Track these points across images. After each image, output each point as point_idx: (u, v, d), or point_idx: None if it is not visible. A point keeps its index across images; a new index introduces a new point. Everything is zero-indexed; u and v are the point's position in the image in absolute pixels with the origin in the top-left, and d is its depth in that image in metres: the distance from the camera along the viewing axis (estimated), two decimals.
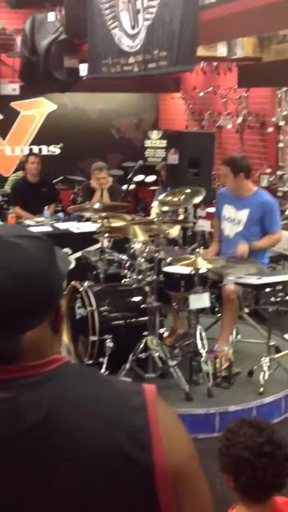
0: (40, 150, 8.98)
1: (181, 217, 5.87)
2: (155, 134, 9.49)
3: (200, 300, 3.92)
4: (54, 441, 0.96)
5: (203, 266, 3.94)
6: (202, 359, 3.93)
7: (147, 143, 9.48)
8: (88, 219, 6.16)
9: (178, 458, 1.00)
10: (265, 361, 3.99)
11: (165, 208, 4.98)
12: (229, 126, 7.81)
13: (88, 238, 5.34)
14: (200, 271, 3.96)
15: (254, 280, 3.98)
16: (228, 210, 4.63)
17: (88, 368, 1.13)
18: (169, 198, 4.74)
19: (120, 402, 1.02)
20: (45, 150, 9.11)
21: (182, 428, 1.07)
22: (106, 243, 4.69)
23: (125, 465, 0.97)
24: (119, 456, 0.97)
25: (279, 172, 7.16)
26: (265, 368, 3.96)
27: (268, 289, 4.06)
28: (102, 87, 8.41)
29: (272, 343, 4.13)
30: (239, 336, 4.45)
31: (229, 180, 4.51)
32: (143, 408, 1.01)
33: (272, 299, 4.05)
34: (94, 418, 0.99)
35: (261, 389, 3.88)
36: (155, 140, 9.47)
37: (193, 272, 3.95)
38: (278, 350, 4.27)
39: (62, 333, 1.08)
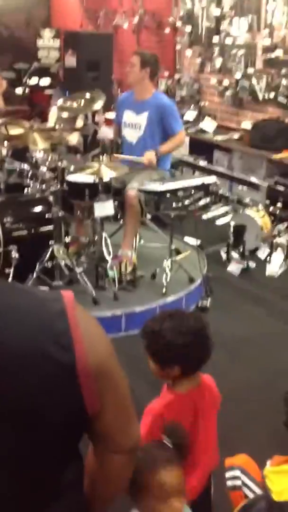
0: None
1: (80, 122, 5.77)
2: (47, 33, 8.96)
3: (104, 208, 3.98)
4: None
5: (107, 174, 3.97)
6: (108, 265, 4.05)
7: (39, 43, 8.95)
8: None
9: (98, 356, 1.10)
10: (167, 263, 4.20)
11: (65, 114, 4.88)
12: (125, 26, 7.55)
13: None
14: (104, 179, 3.99)
15: (157, 187, 4.07)
16: (128, 116, 4.62)
17: (5, 280, 1.18)
18: (69, 103, 4.63)
19: (40, 309, 1.08)
20: None
21: (100, 330, 1.17)
22: (4, 152, 4.53)
23: (50, 367, 1.05)
24: (43, 359, 1.05)
25: (176, 76, 7.13)
26: (167, 270, 4.17)
27: (170, 195, 4.17)
28: None
29: (173, 247, 4.33)
30: (142, 241, 4.60)
31: (134, 71, 4.48)
32: (63, 313, 1.09)
33: (174, 204, 4.18)
34: (17, 325, 1.04)
35: (164, 290, 4.10)
36: (48, 39, 8.96)
37: (97, 181, 3.96)
38: (178, 252, 4.47)
39: None
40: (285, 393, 2.19)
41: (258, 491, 2.18)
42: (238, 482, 2.24)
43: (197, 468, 1.94)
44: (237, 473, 2.26)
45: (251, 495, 2.19)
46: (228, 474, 2.24)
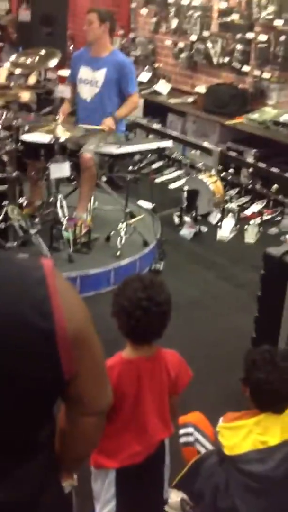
0: None
1: (33, 79, 5.62)
2: None
3: (60, 169, 3.94)
4: None
5: (63, 134, 3.91)
6: (63, 227, 4.04)
7: None
8: None
9: (76, 323, 1.13)
10: (121, 226, 4.22)
11: (18, 71, 4.75)
12: None
13: None
14: (60, 140, 3.93)
15: (114, 150, 4.05)
16: (84, 72, 4.53)
17: None
18: (22, 59, 4.50)
19: (21, 276, 1.10)
20: None
21: (78, 298, 1.19)
22: None
23: (29, 334, 1.08)
24: (23, 325, 1.07)
25: (131, 35, 7.01)
26: (122, 233, 4.20)
27: (125, 158, 4.16)
28: None
29: (127, 210, 4.34)
30: (96, 204, 4.59)
31: (93, 27, 4.38)
32: (43, 281, 1.10)
33: (130, 167, 4.18)
34: None
35: (118, 253, 4.13)
36: None
37: (53, 141, 3.90)
38: (132, 216, 4.49)
39: None
40: (246, 351, 2.28)
41: (210, 446, 2.29)
42: (191, 439, 2.34)
43: (142, 434, 1.98)
44: (190, 430, 2.36)
45: (203, 451, 2.31)
46: (181, 431, 2.34)
